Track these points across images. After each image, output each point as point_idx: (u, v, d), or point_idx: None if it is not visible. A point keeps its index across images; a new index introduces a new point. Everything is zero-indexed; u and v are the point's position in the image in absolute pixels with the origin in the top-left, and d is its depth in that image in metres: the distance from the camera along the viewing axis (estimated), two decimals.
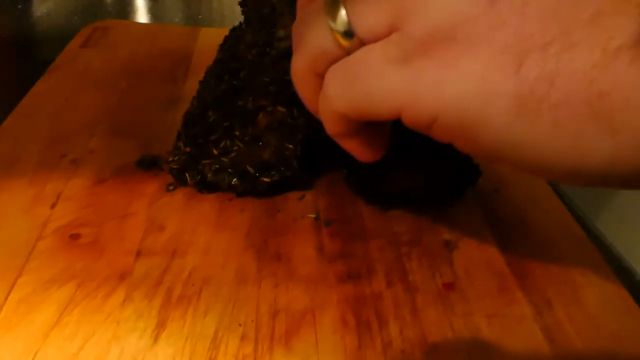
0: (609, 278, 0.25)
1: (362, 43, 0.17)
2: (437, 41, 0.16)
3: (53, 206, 0.27)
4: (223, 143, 0.28)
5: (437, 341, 0.22)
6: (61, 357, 0.20)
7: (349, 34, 0.17)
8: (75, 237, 0.26)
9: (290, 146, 0.28)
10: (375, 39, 0.17)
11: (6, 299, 0.23)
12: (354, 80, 0.18)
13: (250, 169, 0.28)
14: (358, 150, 0.21)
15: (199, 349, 0.21)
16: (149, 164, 0.31)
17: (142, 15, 0.55)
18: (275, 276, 0.24)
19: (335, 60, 0.18)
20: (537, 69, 0.14)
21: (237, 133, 0.28)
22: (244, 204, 0.28)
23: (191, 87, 0.36)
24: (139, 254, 0.25)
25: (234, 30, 0.36)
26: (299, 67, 0.20)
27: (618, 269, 0.27)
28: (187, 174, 0.29)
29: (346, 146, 0.21)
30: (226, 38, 0.36)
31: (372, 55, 0.17)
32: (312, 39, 0.19)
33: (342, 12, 0.17)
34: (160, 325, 0.22)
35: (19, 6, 0.54)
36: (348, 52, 0.18)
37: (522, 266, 0.25)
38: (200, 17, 0.56)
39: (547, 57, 0.14)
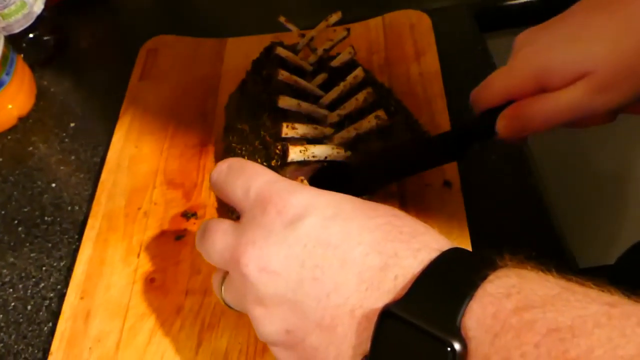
0: None
1: None
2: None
3: (138, 255, 0.46)
4: None
5: None
6: None
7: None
8: (152, 280, 0.45)
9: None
10: None
11: (123, 327, 0.43)
12: None
13: None
14: None
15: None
16: (190, 215, 0.48)
17: None
18: None
19: None
20: None
21: None
22: None
23: (218, 125, 0.52)
24: (187, 292, 0.44)
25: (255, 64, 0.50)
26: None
27: None
28: None
29: None
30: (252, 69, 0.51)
31: None
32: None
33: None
34: (199, 345, 0.41)
35: None
36: None
37: None
38: None
39: None
